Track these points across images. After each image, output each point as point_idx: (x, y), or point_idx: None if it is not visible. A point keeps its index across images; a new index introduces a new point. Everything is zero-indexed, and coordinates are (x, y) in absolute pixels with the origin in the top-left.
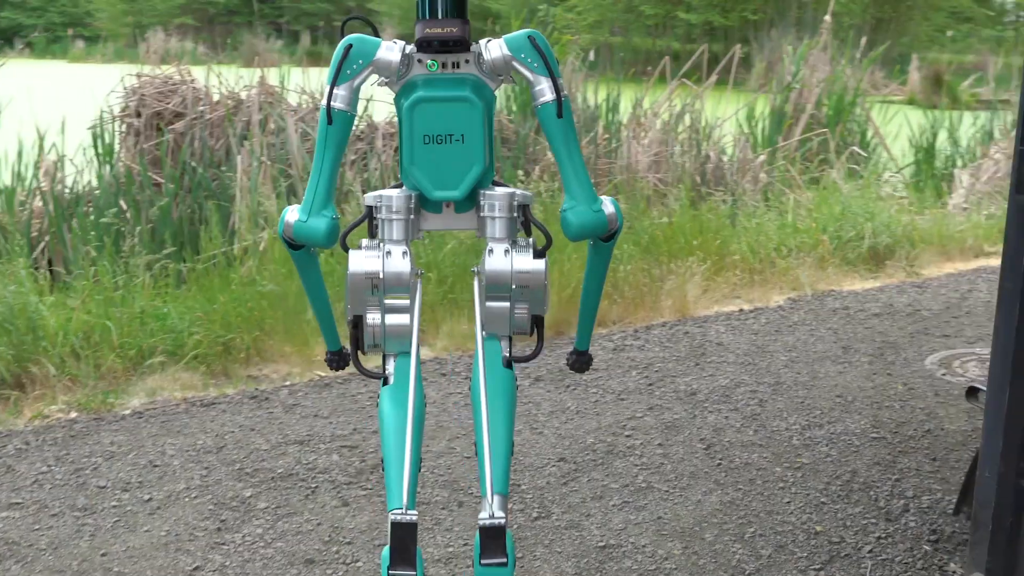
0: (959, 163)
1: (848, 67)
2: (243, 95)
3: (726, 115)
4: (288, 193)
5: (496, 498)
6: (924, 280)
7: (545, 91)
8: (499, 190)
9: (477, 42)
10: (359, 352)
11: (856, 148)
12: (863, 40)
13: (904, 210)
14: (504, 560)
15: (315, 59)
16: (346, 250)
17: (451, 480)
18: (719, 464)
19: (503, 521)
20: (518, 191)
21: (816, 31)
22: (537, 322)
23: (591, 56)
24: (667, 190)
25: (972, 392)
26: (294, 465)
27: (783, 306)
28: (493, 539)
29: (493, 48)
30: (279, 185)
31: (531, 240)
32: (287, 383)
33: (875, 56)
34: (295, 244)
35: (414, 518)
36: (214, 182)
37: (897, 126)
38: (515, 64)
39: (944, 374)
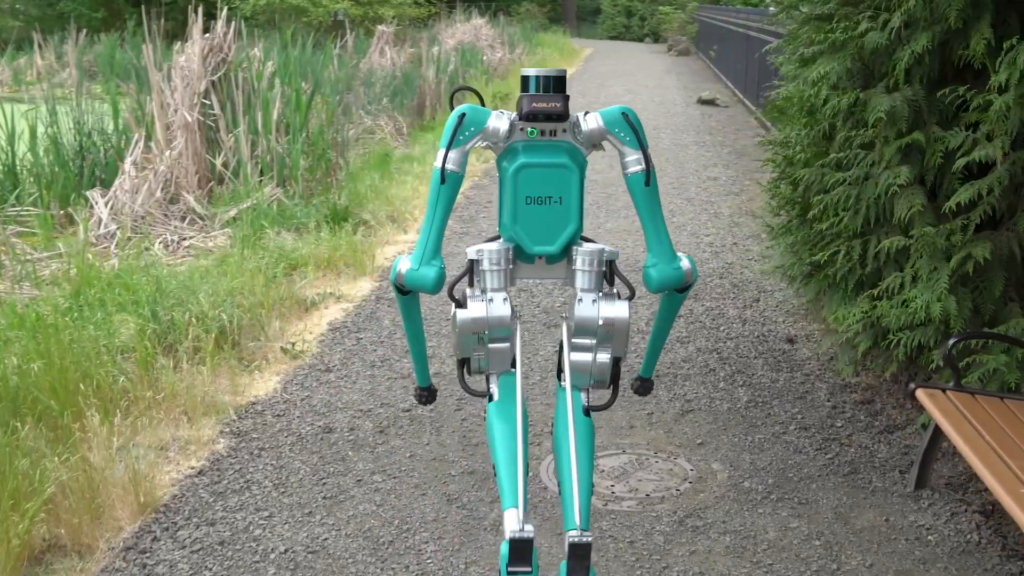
0: None
1: None
2: None
3: None
4: None
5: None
6: (323, 363)
7: (635, 162)
8: (590, 246)
9: (574, 113)
10: (466, 374)
11: None
12: None
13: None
14: None
15: None
16: (453, 300)
17: None
18: None
19: (591, 538)
20: (606, 248)
21: None
22: (615, 370)
23: None
24: None
25: None
26: None
27: (222, 451)
28: (580, 559)
29: (590, 120)
30: None
31: (615, 290)
32: None
33: None
34: (404, 290)
35: (531, 535)
36: None
37: None
38: (609, 136)
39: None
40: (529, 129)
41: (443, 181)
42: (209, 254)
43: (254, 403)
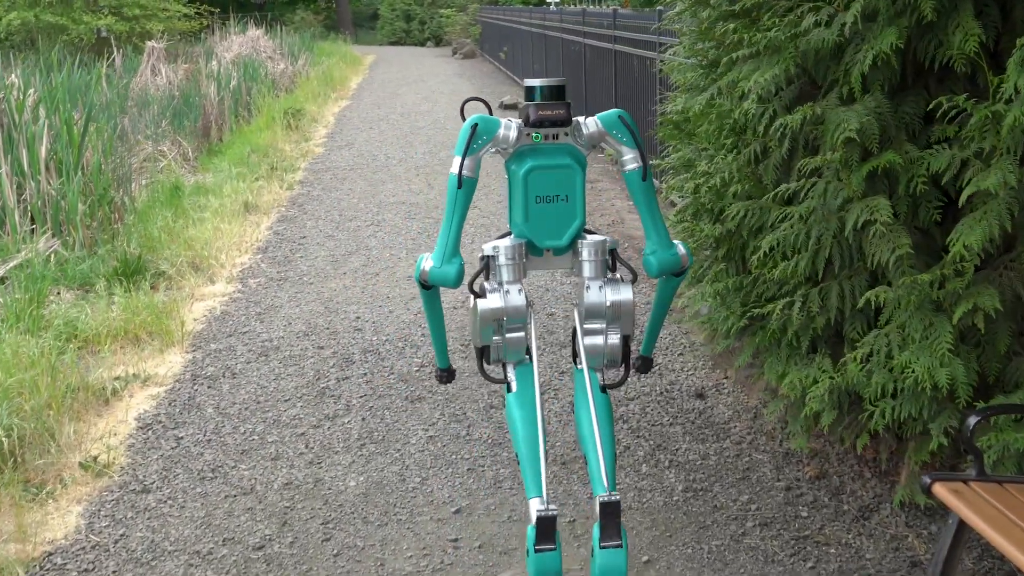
0: None
1: None
2: None
3: None
4: None
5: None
6: (137, 479)
7: (633, 160)
8: (592, 238)
9: (574, 118)
10: (485, 363)
11: None
12: None
13: None
14: (619, 543)
15: None
16: (472, 293)
17: None
18: None
19: (618, 497)
20: (608, 238)
21: None
22: (625, 349)
23: None
24: None
25: None
26: None
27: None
28: (611, 516)
29: (590, 124)
30: None
31: (618, 275)
32: None
33: None
34: (427, 285)
35: (555, 512)
36: None
37: None
38: (607, 138)
39: None
40: (534, 134)
41: (460, 186)
42: None
43: (51, 553)
